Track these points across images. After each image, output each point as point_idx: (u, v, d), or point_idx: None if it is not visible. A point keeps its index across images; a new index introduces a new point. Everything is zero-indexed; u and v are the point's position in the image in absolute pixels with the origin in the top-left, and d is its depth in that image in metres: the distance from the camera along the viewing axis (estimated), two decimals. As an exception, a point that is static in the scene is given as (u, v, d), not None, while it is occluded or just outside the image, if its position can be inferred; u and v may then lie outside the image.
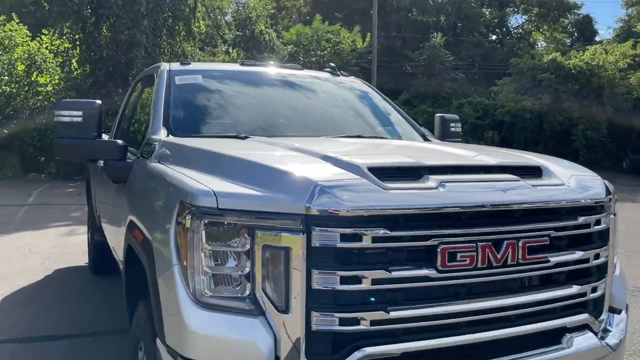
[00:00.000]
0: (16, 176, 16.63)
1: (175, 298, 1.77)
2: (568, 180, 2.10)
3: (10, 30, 17.37)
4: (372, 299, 1.71)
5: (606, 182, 2.33)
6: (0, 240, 7.66)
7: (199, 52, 21.79)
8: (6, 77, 16.92)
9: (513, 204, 1.87)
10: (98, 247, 5.35)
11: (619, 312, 2.30)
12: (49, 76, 17.85)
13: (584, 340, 2.02)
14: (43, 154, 17.78)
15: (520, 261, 1.86)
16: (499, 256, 1.81)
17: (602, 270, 2.14)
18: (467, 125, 20.65)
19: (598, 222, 2.07)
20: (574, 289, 2.03)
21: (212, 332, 1.70)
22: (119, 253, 3.24)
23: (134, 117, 4.03)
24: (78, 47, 17.92)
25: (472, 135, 20.14)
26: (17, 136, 17.23)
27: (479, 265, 1.79)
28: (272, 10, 26.52)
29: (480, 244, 1.79)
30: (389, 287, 1.72)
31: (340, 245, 1.67)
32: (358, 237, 1.67)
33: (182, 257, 1.78)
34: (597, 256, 2.08)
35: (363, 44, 23.07)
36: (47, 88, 17.69)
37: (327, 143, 2.61)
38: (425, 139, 3.58)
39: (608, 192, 2.19)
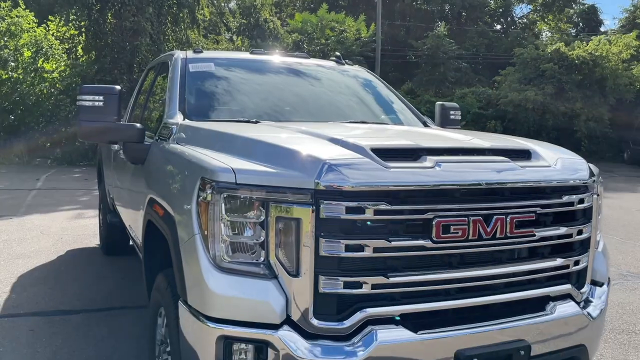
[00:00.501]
0: (22, 162, 16.82)
1: (197, 264, 1.97)
2: (554, 162, 2.29)
3: (17, 16, 17.49)
4: (374, 265, 1.91)
5: (591, 165, 2.52)
6: (12, 222, 7.89)
7: (203, 40, 21.91)
8: (12, 64, 17.07)
9: (502, 182, 2.06)
10: (110, 228, 5.57)
11: (600, 285, 2.50)
12: (55, 63, 18.01)
13: (566, 309, 2.22)
14: (49, 139, 17.97)
15: (508, 234, 2.05)
16: (488, 229, 2.01)
17: (585, 246, 2.33)
18: (469, 115, 20.75)
19: (581, 201, 2.27)
20: (558, 261, 2.23)
21: (230, 293, 1.91)
22: (136, 230, 3.45)
23: (148, 103, 4.22)
24: (84, 34, 18.05)
25: (475, 125, 20.23)
26: (23, 122, 17.45)
27: (470, 237, 1.99)
28: (276, 10, 26.53)
29: (472, 218, 1.98)
30: (389, 255, 1.92)
31: (345, 217, 1.86)
32: (361, 210, 1.87)
33: (203, 227, 1.98)
34: (580, 232, 2.27)
35: (367, 32, 23.11)
36: (53, 74, 17.86)
37: (333, 127, 2.79)
38: (426, 126, 3.76)
39: (592, 174, 2.37)
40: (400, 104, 4.00)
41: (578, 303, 2.30)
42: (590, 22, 39.51)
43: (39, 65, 17.57)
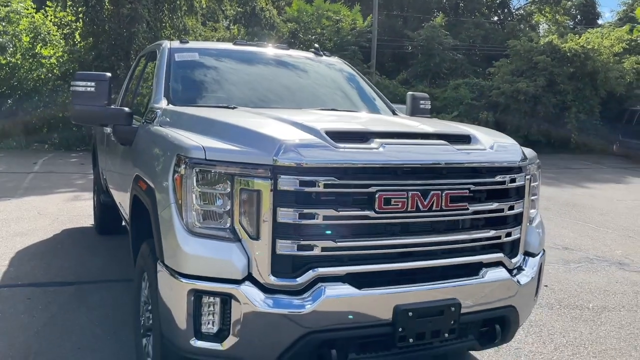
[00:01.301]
0: (20, 146, 17.06)
1: (172, 229, 2.28)
2: (490, 146, 2.60)
3: (16, 1, 17.63)
4: (324, 231, 2.22)
5: (526, 149, 2.83)
6: (10, 203, 8.19)
7: (201, 27, 22.05)
8: (11, 49, 17.24)
9: (438, 162, 2.37)
10: (104, 208, 5.88)
11: (533, 256, 2.82)
12: (52, 49, 18.20)
13: (496, 274, 2.55)
14: (46, 124, 18.20)
15: (444, 208, 2.37)
16: (425, 203, 2.32)
17: (517, 220, 2.65)
18: (462, 105, 21.04)
19: (513, 180, 2.58)
20: (490, 233, 2.54)
21: (200, 254, 2.22)
22: (125, 207, 3.76)
23: (138, 89, 4.51)
24: (81, 20, 18.21)
25: (467, 115, 20.51)
26: (21, 107, 17.66)
27: (409, 209, 2.30)
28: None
29: (410, 192, 2.29)
30: (337, 222, 2.23)
31: (299, 189, 2.17)
32: (313, 184, 2.18)
33: (177, 198, 2.29)
34: (511, 208, 2.59)
35: (363, 23, 23.28)
36: (51, 60, 18.06)
37: (301, 113, 3.08)
38: (394, 114, 4.06)
39: (524, 158, 2.68)
40: (372, 93, 4.30)
41: (510, 270, 2.62)
42: (588, 14, 39.65)
43: (37, 51, 17.75)
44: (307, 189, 2.18)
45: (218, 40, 21.50)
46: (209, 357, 2.25)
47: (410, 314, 2.29)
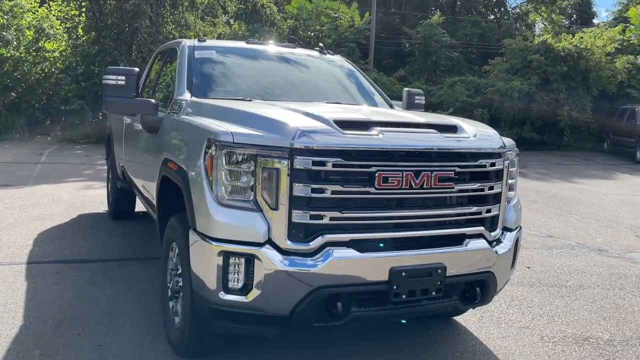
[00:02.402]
0: (24, 138, 17.41)
1: (204, 201, 2.71)
2: (474, 134, 3.03)
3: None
4: (332, 204, 2.65)
5: (506, 138, 3.26)
6: (24, 190, 8.59)
7: (200, 22, 22.39)
8: (15, 43, 17.56)
9: (428, 148, 2.80)
10: (119, 194, 6.30)
11: (510, 230, 3.25)
12: (56, 43, 18.53)
13: (477, 244, 2.98)
14: (49, 117, 18.54)
15: (433, 186, 2.79)
16: (417, 181, 2.74)
17: (496, 198, 3.08)
18: (458, 102, 21.48)
19: (493, 164, 3.01)
20: (473, 208, 2.98)
21: (228, 221, 2.64)
22: (149, 188, 4.18)
23: (158, 83, 4.93)
24: (84, 14, 18.54)
25: (463, 112, 20.92)
26: (24, 100, 18.00)
27: (403, 186, 2.72)
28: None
29: (405, 172, 2.72)
30: (343, 196, 2.65)
31: (311, 168, 2.60)
32: (323, 164, 2.60)
33: (208, 175, 2.71)
34: (491, 188, 3.02)
35: (361, 20, 23.66)
36: (54, 54, 18.38)
37: (311, 105, 3.49)
38: (391, 107, 4.49)
39: (503, 146, 3.11)
40: (371, 89, 4.73)
41: (489, 242, 3.06)
42: (584, 14, 40.13)
43: (40, 44, 18.07)
44: (318, 168, 2.61)
45: (219, 35, 21.86)
46: (235, 308, 2.67)
47: (403, 274, 2.72)
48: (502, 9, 37.80)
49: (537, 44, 21.32)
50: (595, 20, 39.55)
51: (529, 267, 5.46)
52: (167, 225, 3.39)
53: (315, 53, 4.97)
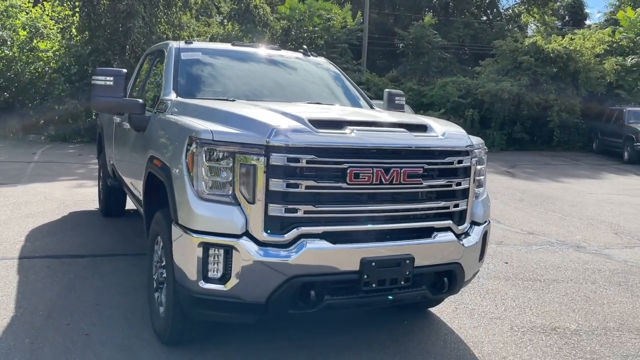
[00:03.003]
0: (17, 138, 17.49)
1: (186, 195, 2.87)
2: (442, 133, 3.21)
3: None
4: (306, 198, 2.82)
5: (474, 137, 3.44)
6: (17, 188, 8.72)
7: (194, 22, 22.51)
8: (9, 42, 17.63)
9: (397, 145, 2.98)
10: (110, 192, 6.44)
11: (479, 224, 3.43)
12: (50, 42, 18.61)
13: (445, 237, 3.16)
14: (43, 117, 18.62)
15: (402, 182, 2.97)
16: (387, 177, 2.91)
17: (464, 194, 3.26)
18: (449, 103, 21.71)
19: (460, 162, 3.19)
20: (441, 203, 3.15)
21: (208, 214, 2.81)
22: (137, 185, 4.33)
23: (147, 84, 5.08)
24: (77, 14, 18.61)
25: (454, 113, 21.20)
26: (17, 99, 18.08)
27: (374, 182, 2.89)
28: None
29: (375, 169, 2.89)
30: (316, 191, 2.82)
31: (286, 164, 2.76)
32: (297, 160, 2.77)
33: (189, 171, 2.87)
34: (458, 184, 3.19)
35: (353, 21, 23.85)
36: (48, 54, 18.47)
37: (290, 105, 3.64)
38: (371, 107, 4.66)
39: (470, 144, 3.29)
40: (353, 89, 4.91)
41: (457, 235, 3.23)
42: (576, 15, 40.49)
43: (34, 44, 18.16)
44: (293, 164, 2.77)
45: (213, 36, 22.00)
46: (215, 297, 2.84)
47: (373, 264, 2.89)
48: (495, 10, 38.07)
49: (527, 45, 21.58)
50: (587, 22, 39.96)
51: (506, 263, 5.65)
52: (153, 220, 3.55)
53: (299, 55, 5.13)
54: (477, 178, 3.41)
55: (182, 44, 4.58)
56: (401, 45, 26.38)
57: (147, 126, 3.92)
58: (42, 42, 18.42)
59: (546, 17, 38.18)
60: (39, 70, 18.16)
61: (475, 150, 3.35)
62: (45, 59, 18.36)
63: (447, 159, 3.14)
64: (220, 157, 2.81)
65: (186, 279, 2.89)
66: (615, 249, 6.54)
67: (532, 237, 6.92)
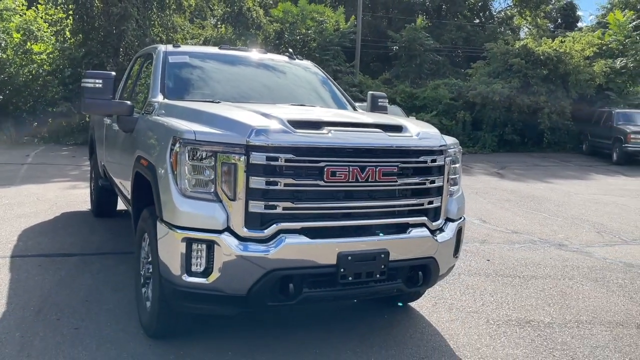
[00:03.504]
0: (10, 139, 17.54)
1: (169, 193, 3.00)
2: (417, 133, 3.35)
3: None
4: (285, 195, 2.95)
5: (448, 137, 3.58)
6: (10, 189, 8.81)
7: (189, 25, 22.64)
8: (2, 45, 17.70)
9: (372, 145, 3.12)
10: (101, 192, 6.56)
11: (453, 221, 3.58)
12: (43, 45, 18.69)
13: (419, 233, 3.30)
14: (36, 119, 18.69)
15: (377, 180, 3.11)
16: (362, 175, 3.05)
17: (438, 192, 3.40)
18: (441, 105, 21.91)
19: (434, 161, 3.33)
20: (415, 200, 3.30)
21: (191, 211, 2.94)
22: (125, 184, 4.46)
23: (136, 86, 5.21)
24: (71, 17, 18.70)
25: (446, 115, 21.41)
26: (11, 101, 18.14)
27: (350, 180, 3.03)
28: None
29: (351, 167, 3.03)
30: (295, 189, 2.96)
31: (265, 163, 2.90)
32: (276, 159, 2.91)
33: (173, 169, 3.01)
34: (432, 182, 3.34)
35: (346, 24, 24.01)
36: (42, 56, 18.55)
37: (272, 107, 3.77)
38: (354, 109, 4.81)
39: (444, 144, 3.44)
40: (337, 92, 5.05)
41: (432, 231, 3.38)
42: (568, 18, 40.83)
43: (28, 47, 18.23)
44: (272, 163, 2.91)
45: (206, 38, 22.13)
46: (198, 290, 2.97)
47: (349, 258, 3.03)
48: (487, 13, 38.38)
49: (518, 48, 21.81)
50: (580, 24, 40.28)
51: (488, 260, 5.80)
52: (140, 218, 3.67)
53: (284, 58, 5.27)
54: (452, 177, 3.56)
55: (170, 47, 4.71)
56: (394, 47, 26.54)
57: (134, 127, 4.04)
58: (36, 44, 18.50)
59: (538, 19, 38.53)
60: (33, 72, 18.22)
61: (450, 150, 3.50)
62: (39, 61, 18.44)
63: (421, 158, 3.28)
64: (203, 156, 2.95)
65: (170, 273, 3.02)
66: (596, 247, 6.70)
67: (515, 236, 7.08)
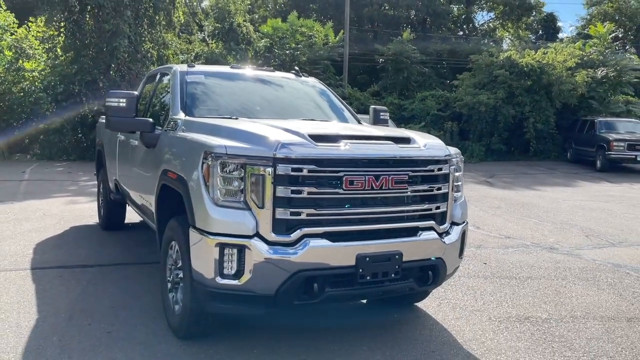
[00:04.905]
0: (3, 157, 17.61)
1: (202, 202, 3.27)
2: (424, 145, 3.67)
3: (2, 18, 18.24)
4: (308, 203, 3.25)
5: (452, 148, 3.91)
6: (14, 205, 8.98)
7: (177, 40, 22.91)
8: (-6, 62, 17.83)
9: (386, 156, 3.44)
10: (112, 205, 6.79)
11: (458, 224, 3.89)
12: (35, 63, 18.83)
13: (428, 235, 3.61)
14: (28, 136, 18.77)
15: (390, 188, 3.42)
16: (377, 184, 3.36)
17: (444, 197, 3.72)
18: (429, 116, 22.43)
19: (440, 169, 3.65)
20: (424, 206, 3.61)
21: (223, 218, 3.21)
22: (145, 197, 4.72)
23: (151, 104, 5.48)
24: (62, 35, 18.87)
25: (434, 125, 21.91)
26: (2, 118, 18.21)
27: (366, 188, 3.34)
28: (249, 6, 27.72)
29: (367, 176, 3.34)
30: (317, 196, 3.25)
31: (291, 174, 3.19)
32: (300, 170, 3.20)
33: (205, 180, 3.29)
34: (439, 188, 3.66)
35: (335, 38, 24.48)
36: (34, 74, 18.68)
37: (289, 122, 4.07)
38: (359, 122, 5.13)
39: (449, 154, 3.76)
40: (342, 106, 5.38)
41: (439, 234, 3.69)
42: (549, 29, 41.83)
43: (19, 64, 18.35)
44: (296, 174, 3.21)
45: (197, 53, 22.42)
46: (230, 291, 3.23)
47: (367, 259, 3.33)
48: (471, 25, 39.25)
49: (502, 59, 22.41)
50: (560, 35, 41.31)
51: (485, 263, 6.12)
52: (167, 227, 3.94)
53: (291, 76, 5.60)
54: (456, 184, 3.88)
55: (185, 67, 5.00)
56: (381, 60, 27.07)
57: (157, 143, 4.32)
58: (28, 62, 18.63)
59: (520, 31, 39.49)
60: (25, 89, 18.32)
61: (453, 159, 3.82)
62: (30, 78, 18.56)
63: (429, 167, 3.60)
64: (233, 168, 3.24)
65: (203, 276, 3.29)
66: (585, 249, 7.06)
67: (509, 241, 7.42)
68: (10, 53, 18.31)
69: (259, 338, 3.85)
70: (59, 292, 4.70)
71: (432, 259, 3.63)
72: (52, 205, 9.20)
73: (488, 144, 21.77)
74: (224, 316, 3.81)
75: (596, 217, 9.47)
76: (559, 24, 43.11)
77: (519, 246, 7.12)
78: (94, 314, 4.21)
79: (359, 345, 3.81)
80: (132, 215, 6.86)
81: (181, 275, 3.69)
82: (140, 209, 5.21)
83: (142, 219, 5.61)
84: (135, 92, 4.42)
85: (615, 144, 17.96)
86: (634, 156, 17.84)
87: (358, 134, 3.69)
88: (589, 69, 22.97)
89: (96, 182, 7.99)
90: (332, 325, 4.17)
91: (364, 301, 4.70)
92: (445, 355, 3.71)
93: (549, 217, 9.47)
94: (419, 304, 4.63)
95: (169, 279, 3.96)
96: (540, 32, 42.10)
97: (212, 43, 23.14)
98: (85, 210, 8.61)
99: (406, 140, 3.69)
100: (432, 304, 4.66)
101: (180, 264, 3.70)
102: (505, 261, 6.27)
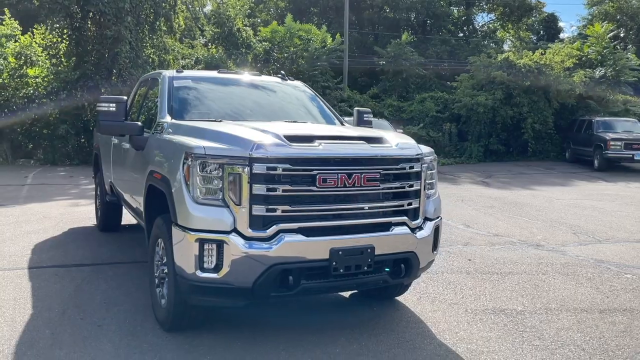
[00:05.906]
0: (6, 162, 17.91)
1: (183, 200, 3.47)
2: (396, 144, 3.86)
3: (8, 27, 18.57)
4: (283, 200, 3.44)
5: (424, 147, 4.09)
6: (15, 209, 9.21)
7: (179, 45, 23.22)
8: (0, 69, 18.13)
9: (357, 155, 3.62)
10: (107, 207, 7.00)
11: (431, 220, 4.07)
12: (39, 69, 19.15)
13: (401, 230, 3.79)
14: (31, 141, 19.08)
15: (363, 185, 3.60)
16: (350, 181, 3.54)
17: (416, 194, 3.90)
18: (428, 117, 22.59)
19: (412, 167, 3.83)
20: (396, 202, 3.79)
21: (203, 215, 3.41)
22: (136, 198, 4.92)
23: (142, 108, 5.69)
24: (65, 41, 19.18)
25: (432, 127, 22.08)
26: (7, 124, 18.51)
27: (339, 185, 3.52)
28: (249, 11, 28.00)
29: (340, 174, 3.52)
30: (292, 194, 3.44)
31: (266, 172, 3.38)
32: (275, 169, 3.39)
33: (186, 180, 3.48)
34: (411, 186, 3.84)
35: (332, 42, 24.68)
36: (37, 80, 18.98)
37: (269, 124, 4.26)
38: (342, 124, 5.32)
39: (420, 153, 3.94)
40: (325, 108, 5.57)
41: (412, 229, 3.87)
42: (550, 29, 41.91)
43: (23, 71, 18.67)
44: (271, 172, 3.40)
45: (198, 58, 22.69)
46: (209, 283, 3.42)
47: (340, 252, 3.51)
48: (471, 27, 39.35)
49: (500, 60, 22.56)
50: (562, 35, 41.38)
51: (469, 260, 6.29)
52: (154, 225, 4.13)
53: (277, 79, 5.80)
54: (429, 181, 4.06)
55: (174, 72, 5.21)
56: (381, 62, 27.26)
57: (145, 145, 4.52)
58: (31, 69, 18.94)
59: (521, 32, 39.56)
60: (29, 95, 18.61)
61: (425, 158, 4.01)
62: (34, 85, 18.86)
63: (400, 165, 3.79)
64: (212, 168, 3.43)
65: (185, 270, 3.48)
66: (570, 246, 7.21)
67: (496, 238, 7.58)
68: (15, 60, 18.62)
69: (242, 331, 4.03)
70: (54, 290, 4.90)
71: (404, 252, 3.80)
72: (52, 208, 9.43)
73: (486, 144, 21.91)
74: (209, 311, 4.00)
75: (587, 215, 9.60)
76: (560, 24, 43.21)
77: (506, 243, 7.27)
78: (87, 309, 4.41)
79: (338, 337, 3.98)
80: (129, 217, 7.07)
81: (166, 270, 3.88)
82: (132, 209, 5.40)
83: (137, 221, 5.81)
84: (125, 97, 4.62)
85: (612, 143, 18.06)
86: (631, 155, 17.94)
87: (332, 134, 3.88)
88: (587, 69, 23.09)
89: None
90: (314, 320, 4.35)
91: (347, 296, 4.88)
92: (418, 343, 3.88)
93: (540, 215, 9.60)
94: (399, 298, 4.81)
95: (156, 274, 4.15)
96: (541, 33, 42.20)
97: (212, 48, 23.39)
98: (84, 213, 8.82)
99: (378, 140, 3.87)
100: (412, 298, 4.84)
101: (165, 260, 3.89)
102: (490, 257, 6.44)
